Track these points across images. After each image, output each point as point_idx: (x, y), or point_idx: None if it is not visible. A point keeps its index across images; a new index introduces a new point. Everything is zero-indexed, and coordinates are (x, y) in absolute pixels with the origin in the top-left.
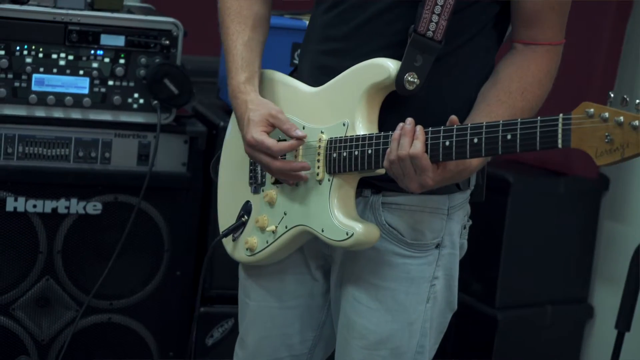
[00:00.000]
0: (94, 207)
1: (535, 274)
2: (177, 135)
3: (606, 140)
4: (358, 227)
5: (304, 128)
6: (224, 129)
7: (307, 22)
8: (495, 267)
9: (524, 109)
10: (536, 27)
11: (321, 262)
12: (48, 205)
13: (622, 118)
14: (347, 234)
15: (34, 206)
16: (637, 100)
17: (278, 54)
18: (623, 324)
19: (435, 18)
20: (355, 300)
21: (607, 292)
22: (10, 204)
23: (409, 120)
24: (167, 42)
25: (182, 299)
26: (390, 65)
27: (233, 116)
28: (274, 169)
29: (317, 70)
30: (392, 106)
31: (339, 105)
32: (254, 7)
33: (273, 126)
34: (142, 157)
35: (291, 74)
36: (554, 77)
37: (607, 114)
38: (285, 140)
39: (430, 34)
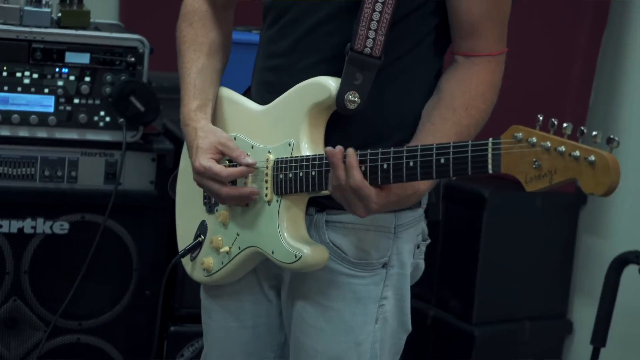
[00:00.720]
0: (60, 227)
1: (512, 290)
2: (145, 153)
3: (534, 166)
4: (306, 250)
5: (252, 147)
6: None
7: None
8: (472, 282)
9: (469, 125)
10: (475, 38)
11: (273, 282)
12: (14, 225)
13: (549, 143)
14: (295, 257)
15: (0, 226)
16: (565, 124)
17: (247, 70)
18: (598, 339)
19: (371, 34)
20: (303, 320)
21: (587, 307)
22: None
23: (338, 148)
24: (133, 59)
25: (152, 318)
26: (331, 84)
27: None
28: (223, 195)
29: (261, 86)
30: (337, 124)
31: (284, 125)
32: (209, 34)
33: (222, 154)
34: (109, 176)
35: (246, 91)
36: (499, 88)
37: (534, 139)
38: (234, 166)
39: (368, 50)
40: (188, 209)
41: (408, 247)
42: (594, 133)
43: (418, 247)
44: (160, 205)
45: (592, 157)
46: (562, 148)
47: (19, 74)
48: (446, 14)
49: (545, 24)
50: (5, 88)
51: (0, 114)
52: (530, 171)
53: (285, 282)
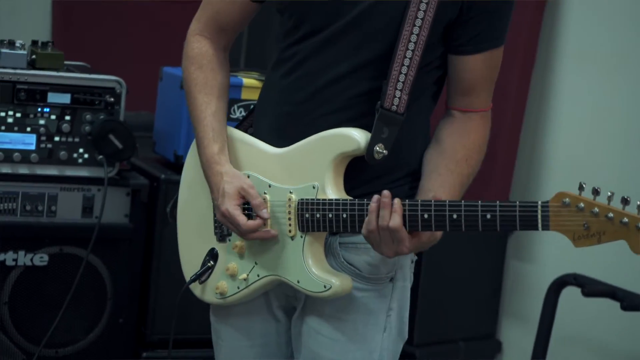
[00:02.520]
0: (40, 259)
1: (449, 313)
2: (120, 187)
3: (584, 227)
4: (335, 280)
5: (270, 186)
6: (165, 181)
7: (242, 79)
8: (413, 307)
9: (469, 175)
10: (472, 96)
11: (283, 303)
12: None
13: (597, 209)
14: (324, 287)
15: None
16: (609, 193)
17: None
18: (539, 355)
19: (398, 93)
20: (317, 333)
21: (514, 328)
22: None
23: (386, 193)
24: (112, 99)
25: (126, 345)
26: (358, 137)
27: (190, 165)
28: (246, 238)
29: (275, 130)
30: (352, 165)
31: (306, 169)
32: (218, 77)
33: (244, 199)
34: (86, 210)
35: (238, 127)
36: (488, 138)
37: (582, 205)
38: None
39: (394, 108)
40: (195, 236)
41: (407, 262)
42: (639, 203)
43: (412, 261)
44: (134, 237)
45: None
46: (611, 215)
47: (2, 114)
48: (445, 68)
49: None
50: None
51: None
52: (578, 231)
53: (300, 300)
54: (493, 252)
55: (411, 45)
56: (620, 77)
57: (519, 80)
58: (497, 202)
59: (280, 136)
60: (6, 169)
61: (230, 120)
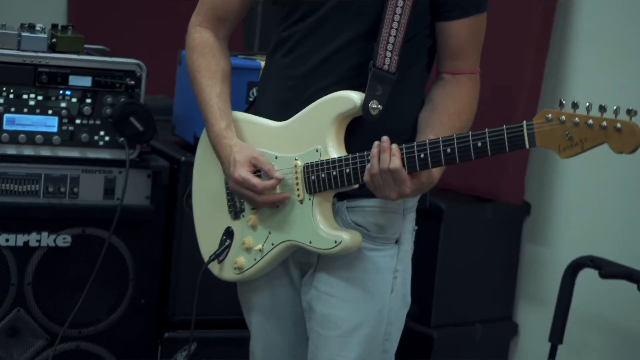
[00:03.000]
0: (63, 240)
1: (466, 295)
2: (141, 170)
3: (567, 138)
4: (345, 235)
5: (276, 158)
6: (185, 163)
7: (261, 62)
8: (430, 289)
9: (462, 128)
10: (460, 59)
11: (299, 272)
12: (20, 239)
13: (577, 119)
14: (335, 242)
15: (7, 240)
16: (587, 104)
17: (234, 92)
18: (556, 337)
19: (388, 54)
20: (328, 295)
21: (530, 310)
22: None
23: (385, 138)
24: (132, 82)
25: (147, 325)
26: (354, 97)
27: (200, 154)
28: (260, 201)
29: (279, 104)
30: (351, 127)
31: (307, 135)
32: (220, 62)
33: (255, 166)
34: (108, 192)
35: (247, 111)
36: (477, 98)
37: (564, 117)
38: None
39: (386, 67)
40: (210, 219)
41: (410, 228)
42: (614, 107)
43: (414, 230)
44: (155, 218)
45: (619, 125)
46: (591, 122)
47: (24, 96)
48: (434, 38)
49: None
50: (12, 109)
51: (7, 134)
52: (563, 142)
53: (312, 265)
54: (509, 235)
55: (398, 10)
56: (636, 62)
57: (533, 65)
58: (487, 129)
59: (285, 110)
60: (29, 151)
61: (247, 104)
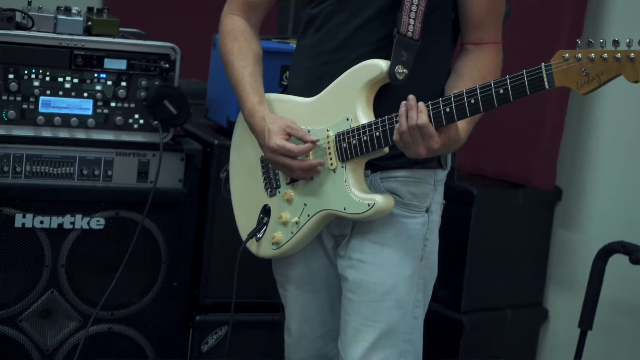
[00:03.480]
0: (97, 223)
1: (496, 280)
2: (175, 153)
3: (584, 74)
4: (378, 198)
5: (309, 132)
6: (218, 146)
7: (294, 46)
8: (460, 274)
9: None
10: (482, 30)
11: (333, 244)
12: (54, 221)
13: (592, 55)
14: (368, 205)
15: (41, 222)
16: (600, 40)
17: (268, 76)
18: (586, 323)
19: (412, 22)
20: (360, 262)
21: (561, 296)
22: (19, 221)
23: (411, 97)
24: (167, 65)
25: (179, 308)
26: (381, 63)
27: (236, 137)
28: (296, 167)
29: (311, 80)
30: (380, 97)
31: (337, 106)
32: (252, 45)
33: (289, 134)
34: (141, 174)
35: (283, 92)
36: (500, 67)
37: (579, 55)
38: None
39: (410, 34)
40: (247, 199)
41: (439, 199)
42: (627, 40)
43: (442, 204)
44: (188, 202)
45: (632, 55)
46: (605, 55)
47: (60, 79)
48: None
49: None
50: (48, 92)
51: (43, 116)
52: (580, 79)
53: (346, 235)
54: (540, 220)
55: None
56: None
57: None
58: (507, 76)
59: (319, 85)
60: (64, 134)
61: (281, 87)
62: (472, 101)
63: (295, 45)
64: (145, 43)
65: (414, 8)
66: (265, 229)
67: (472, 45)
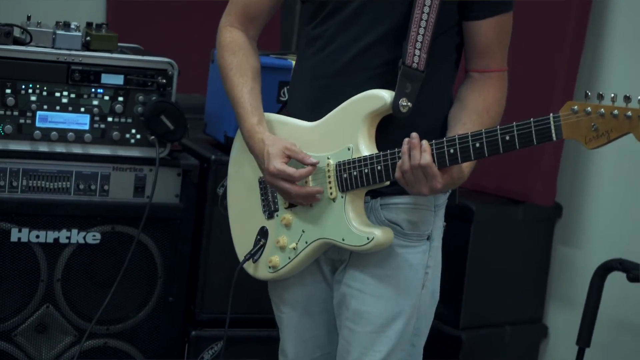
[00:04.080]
0: (93, 237)
1: (495, 297)
2: (171, 168)
3: (593, 129)
4: (377, 232)
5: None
6: (215, 162)
7: (292, 62)
8: (459, 290)
9: (490, 124)
10: (488, 58)
11: (330, 269)
12: (50, 236)
13: (602, 110)
14: (367, 239)
15: (37, 237)
16: (612, 94)
17: (265, 92)
18: (584, 340)
19: (417, 52)
20: (360, 292)
21: (561, 313)
22: (15, 235)
23: (414, 135)
24: (164, 80)
25: (174, 323)
26: (385, 95)
27: (234, 153)
28: (294, 193)
29: (310, 104)
30: (382, 130)
31: (339, 134)
32: (250, 60)
33: (289, 157)
34: (138, 189)
35: (280, 111)
36: (506, 95)
37: (589, 109)
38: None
39: (415, 65)
40: (244, 219)
41: (440, 224)
42: (639, 98)
43: (443, 226)
44: (184, 217)
45: None
46: (616, 112)
47: (57, 94)
48: (462, 36)
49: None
50: (45, 107)
51: (40, 131)
52: (589, 133)
53: (344, 262)
54: (540, 236)
55: (426, 9)
56: None
57: (567, 63)
58: (514, 123)
59: (318, 109)
60: (60, 148)
61: (279, 103)
62: (477, 145)
63: (293, 62)
64: (142, 58)
65: (419, 38)
66: (262, 251)
67: (477, 74)
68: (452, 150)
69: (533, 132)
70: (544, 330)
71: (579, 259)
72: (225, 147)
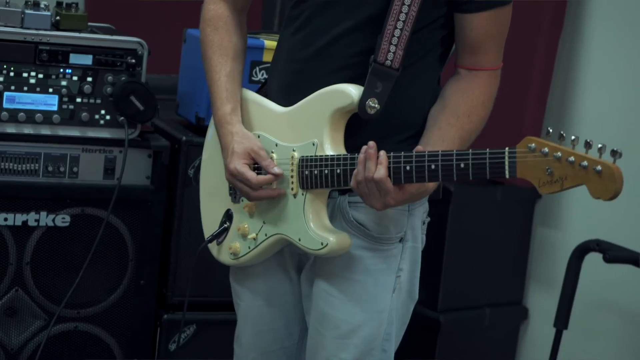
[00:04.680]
0: (62, 220)
1: (474, 279)
2: (142, 149)
3: (547, 173)
4: (332, 238)
5: (276, 145)
6: (186, 143)
7: (264, 41)
8: (437, 272)
9: (471, 130)
10: (479, 54)
11: (296, 262)
12: (19, 219)
13: (559, 153)
14: (322, 244)
15: (5, 219)
16: (572, 137)
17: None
18: (561, 322)
19: (392, 48)
20: (327, 294)
21: (541, 295)
22: None
23: (371, 144)
24: (133, 60)
25: (146, 306)
26: (352, 92)
27: (209, 140)
28: (252, 196)
29: (284, 88)
30: (355, 124)
31: (307, 126)
32: (233, 38)
33: (253, 160)
34: (108, 171)
35: (259, 90)
36: (495, 98)
37: (547, 149)
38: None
39: (389, 62)
40: (213, 198)
41: (419, 223)
42: (599, 145)
43: (424, 223)
44: (155, 199)
45: (599, 167)
46: (572, 158)
47: (25, 74)
48: (451, 27)
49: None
50: (12, 87)
51: (7, 112)
52: (543, 177)
53: (309, 262)
54: (520, 218)
55: (407, 1)
56: None
57: (547, 40)
58: (470, 150)
59: (289, 94)
60: (28, 130)
61: (251, 83)
62: (433, 167)
63: (267, 42)
64: (111, 38)
65: (396, 33)
66: (226, 235)
67: (464, 70)
68: (408, 168)
69: (487, 164)
70: (524, 312)
71: (559, 240)
72: (196, 128)
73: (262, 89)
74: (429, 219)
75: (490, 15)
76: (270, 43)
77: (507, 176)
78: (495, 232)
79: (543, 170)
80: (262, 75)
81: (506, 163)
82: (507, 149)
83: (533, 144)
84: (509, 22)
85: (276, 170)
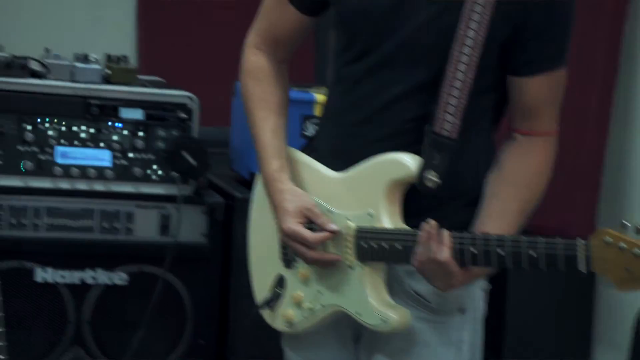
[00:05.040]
0: (119, 278)
1: (537, 341)
2: (196, 206)
3: (626, 270)
4: (393, 315)
5: (329, 211)
6: (241, 200)
7: (315, 95)
8: (500, 334)
9: (530, 200)
10: (535, 119)
11: (353, 331)
12: (75, 276)
13: (638, 250)
14: (382, 321)
15: (62, 277)
16: None
17: (288, 126)
18: None
19: (449, 117)
20: None
21: (606, 354)
22: (39, 275)
23: (433, 224)
24: (184, 115)
25: None
26: (410, 163)
27: (257, 190)
28: (309, 258)
29: (333, 152)
30: (412, 192)
31: (362, 195)
32: (276, 91)
33: (307, 218)
34: (163, 228)
35: (305, 148)
36: (552, 164)
37: (624, 245)
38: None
39: (446, 132)
40: (263, 261)
41: (477, 291)
42: None
43: (484, 290)
44: (212, 256)
45: None
46: None
47: (75, 128)
48: (504, 92)
49: None
50: (62, 141)
51: (60, 168)
52: (622, 274)
53: (367, 331)
54: (581, 277)
55: (461, 67)
56: None
57: (599, 93)
58: (542, 239)
59: (339, 158)
60: (82, 185)
61: (302, 137)
62: (501, 253)
63: (317, 95)
64: (160, 92)
65: (452, 101)
66: (278, 300)
67: (520, 135)
68: (474, 250)
69: (560, 256)
70: None
71: (624, 300)
72: (249, 183)
73: (307, 148)
74: (491, 286)
75: (545, 78)
76: (321, 97)
77: (583, 271)
78: (557, 293)
79: (621, 268)
80: (314, 129)
81: (581, 256)
82: (581, 241)
83: (609, 238)
84: (564, 86)
85: (333, 227)
